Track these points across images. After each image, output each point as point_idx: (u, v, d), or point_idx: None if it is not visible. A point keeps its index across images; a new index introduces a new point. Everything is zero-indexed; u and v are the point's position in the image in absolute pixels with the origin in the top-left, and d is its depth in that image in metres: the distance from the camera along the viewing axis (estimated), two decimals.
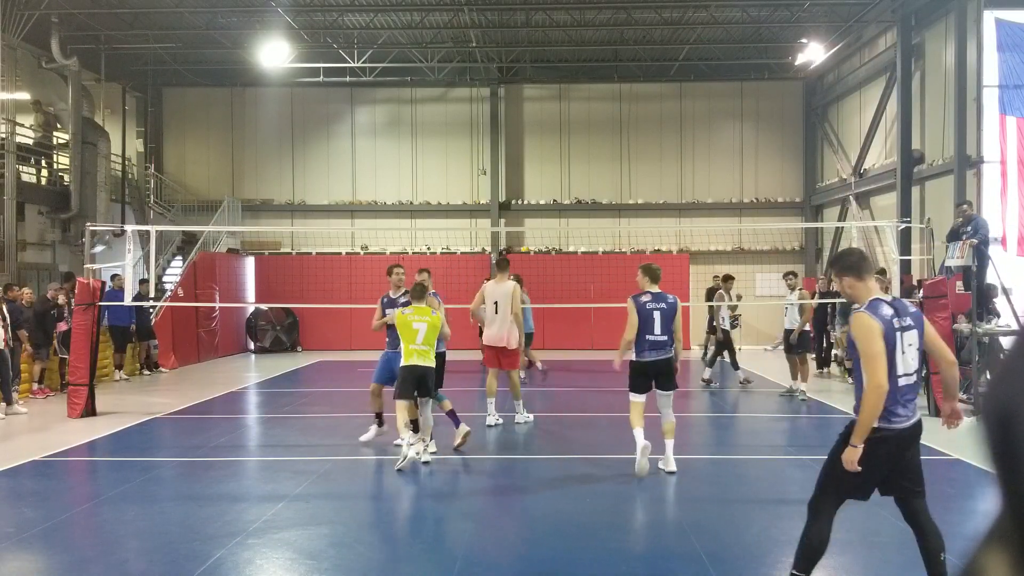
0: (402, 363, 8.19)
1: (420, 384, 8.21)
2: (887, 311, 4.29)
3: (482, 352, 10.75)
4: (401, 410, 8.08)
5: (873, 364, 4.22)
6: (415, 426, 8.46)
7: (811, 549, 4.50)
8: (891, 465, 4.34)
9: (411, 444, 8.00)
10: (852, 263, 4.50)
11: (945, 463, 8.46)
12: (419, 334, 8.16)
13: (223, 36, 20.28)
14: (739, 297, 13.51)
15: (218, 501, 7.00)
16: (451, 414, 8.96)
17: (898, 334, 4.26)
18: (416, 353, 8.15)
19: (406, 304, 9.43)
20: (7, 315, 11.70)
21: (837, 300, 19.35)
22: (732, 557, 5.51)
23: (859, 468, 4.31)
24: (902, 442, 4.31)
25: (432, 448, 8.50)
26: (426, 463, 8.14)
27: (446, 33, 20.63)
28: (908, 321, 4.30)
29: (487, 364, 10.51)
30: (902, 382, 4.27)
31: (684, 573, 5.23)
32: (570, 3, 18.46)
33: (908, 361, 4.29)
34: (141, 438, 10.04)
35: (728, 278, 14.38)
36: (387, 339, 9.16)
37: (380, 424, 9.43)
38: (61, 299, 13.65)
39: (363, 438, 9.32)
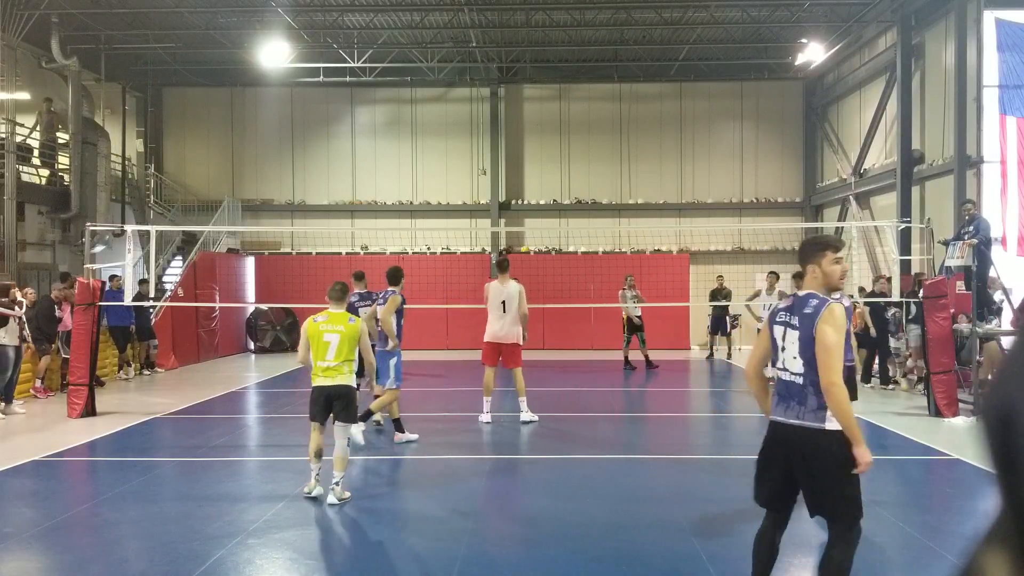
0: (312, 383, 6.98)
1: (333, 407, 6.90)
2: (784, 303, 4.21)
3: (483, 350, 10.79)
4: (312, 432, 6.99)
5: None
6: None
7: (754, 549, 4.36)
8: (780, 466, 4.09)
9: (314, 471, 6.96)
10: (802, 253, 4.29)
11: (945, 463, 8.46)
12: (330, 348, 6.77)
13: (223, 36, 20.27)
14: (782, 295, 13.21)
15: (218, 501, 7.00)
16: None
17: (776, 327, 4.13)
18: (322, 372, 6.81)
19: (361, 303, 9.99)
20: (23, 316, 11.77)
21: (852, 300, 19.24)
22: (732, 557, 5.51)
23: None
24: (783, 441, 4.04)
25: (344, 492, 6.88)
26: (333, 505, 6.74)
27: (446, 33, 20.63)
28: (794, 321, 4.06)
29: (485, 362, 10.59)
30: (780, 375, 4.12)
31: (684, 573, 5.23)
32: (570, 3, 18.45)
33: (787, 359, 4.06)
34: (141, 438, 10.04)
35: (772, 275, 13.88)
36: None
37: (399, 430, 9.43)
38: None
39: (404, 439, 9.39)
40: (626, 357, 16.85)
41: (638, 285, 16.95)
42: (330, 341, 6.74)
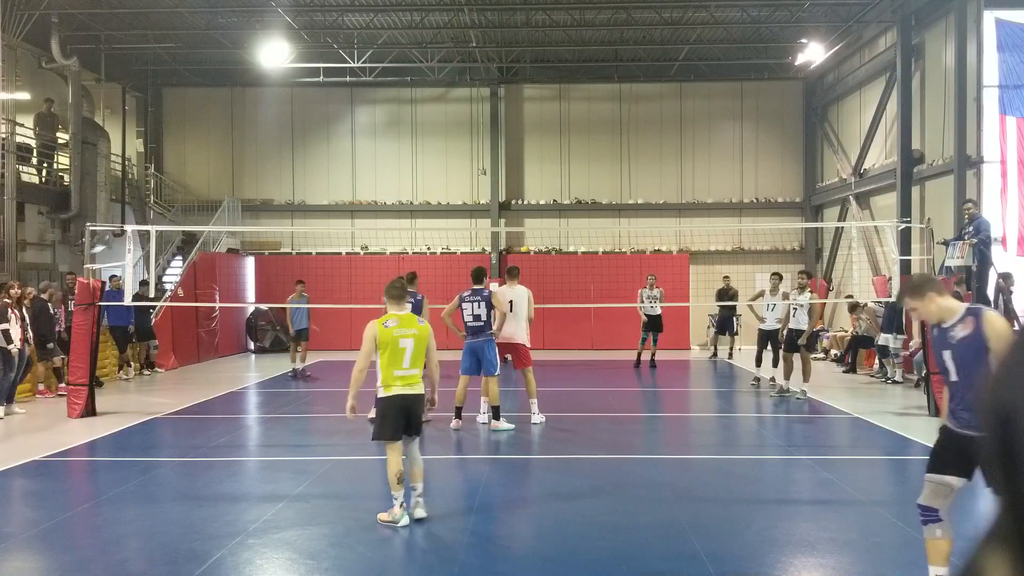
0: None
1: (411, 419, 6.33)
2: None
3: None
4: (393, 453, 6.35)
5: None
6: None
7: None
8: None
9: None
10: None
11: None
12: (406, 353, 6.24)
13: (223, 36, 20.27)
14: (785, 296, 13.06)
15: (218, 501, 7.00)
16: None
17: None
18: (401, 380, 6.26)
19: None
20: (26, 316, 11.77)
21: (837, 301, 19.31)
22: (732, 557, 5.51)
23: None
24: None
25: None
26: (423, 519, 6.32)
27: (446, 33, 20.62)
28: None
29: None
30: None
31: (684, 573, 5.23)
32: (570, 3, 18.45)
33: None
34: (141, 438, 10.04)
35: (776, 276, 13.71)
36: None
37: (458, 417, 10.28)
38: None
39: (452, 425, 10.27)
40: (638, 355, 17.07)
41: (656, 284, 16.85)
42: (405, 347, 6.16)
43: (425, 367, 6.46)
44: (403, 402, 6.19)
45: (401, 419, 6.22)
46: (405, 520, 6.20)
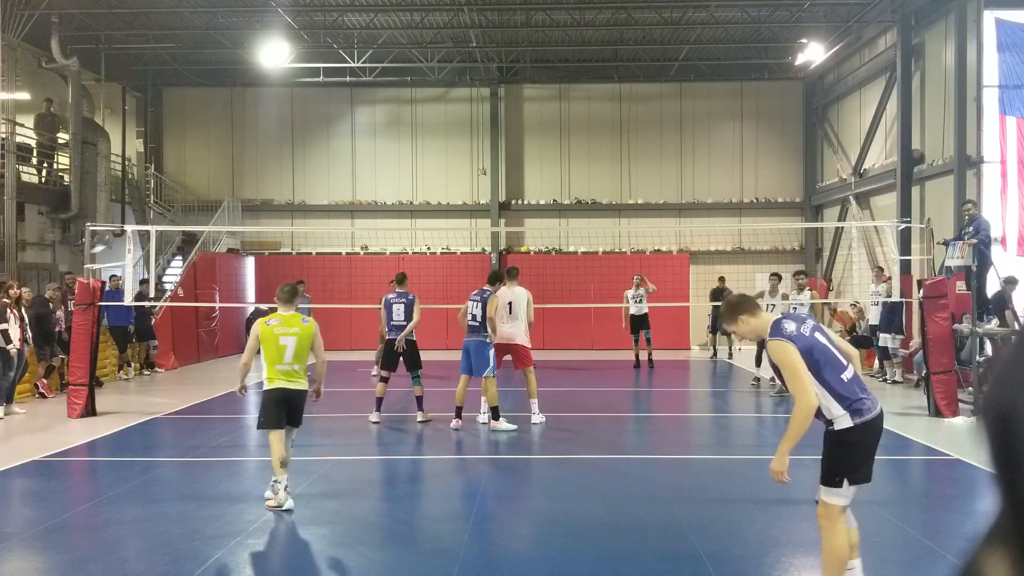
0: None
1: (291, 411, 6.79)
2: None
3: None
4: (275, 440, 6.68)
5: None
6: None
7: None
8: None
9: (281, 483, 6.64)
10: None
11: (945, 463, 8.46)
12: (287, 351, 6.71)
13: (223, 36, 20.27)
14: (785, 297, 13.07)
15: (218, 501, 7.00)
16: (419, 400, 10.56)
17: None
18: (282, 375, 6.72)
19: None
20: (25, 316, 11.76)
21: (834, 301, 19.29)
22: (732, 557, 5.51)
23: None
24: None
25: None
26: (288, 510, 6.54)
27: (446, 33, 20.62)
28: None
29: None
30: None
31: (684, 573, 5.23)
32: (570, 3, 18.45)
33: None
34: (141, 438, 10.04)
35: (775, 276, 13.74)
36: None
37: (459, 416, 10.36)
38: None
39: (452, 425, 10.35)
40: (636, 356, 17.14)
41: (640, 284, 16.99)
42: (286, 344, 6.67)
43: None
44: (282, 394, 6.70)
45: (281, 409, 6.70)
46: (290, 503, 6.55)
